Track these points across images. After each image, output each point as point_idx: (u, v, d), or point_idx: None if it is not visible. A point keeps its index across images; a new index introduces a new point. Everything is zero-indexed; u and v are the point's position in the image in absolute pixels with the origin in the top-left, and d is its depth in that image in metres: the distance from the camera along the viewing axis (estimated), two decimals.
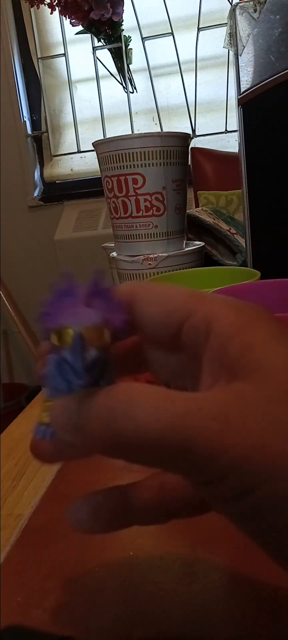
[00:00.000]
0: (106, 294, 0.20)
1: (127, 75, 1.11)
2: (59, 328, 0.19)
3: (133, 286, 0.22)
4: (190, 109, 1.66)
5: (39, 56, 2.05)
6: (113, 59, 1.09)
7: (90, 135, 2.00)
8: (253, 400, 0.17)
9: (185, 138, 0.62)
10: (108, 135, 1.55)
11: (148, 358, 0.23)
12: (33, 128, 2.21)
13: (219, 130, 1.81)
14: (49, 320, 0.19)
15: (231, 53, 0.54)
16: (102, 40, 1.03)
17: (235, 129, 0.56)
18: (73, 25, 0.96)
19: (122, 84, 1.12)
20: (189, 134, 0.63)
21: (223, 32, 0.55)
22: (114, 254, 0.66)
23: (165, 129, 1.87)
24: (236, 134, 0.56)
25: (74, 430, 0.18)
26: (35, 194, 2.22)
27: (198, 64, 1.61)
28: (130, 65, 1.11)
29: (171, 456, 0.17)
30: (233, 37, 0.52)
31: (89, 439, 0.18)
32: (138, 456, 0.18)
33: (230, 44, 0.53)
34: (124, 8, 0.94)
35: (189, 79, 1.64)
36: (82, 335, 0.18)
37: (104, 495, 0.22)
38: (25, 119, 2.17)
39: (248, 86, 0.52)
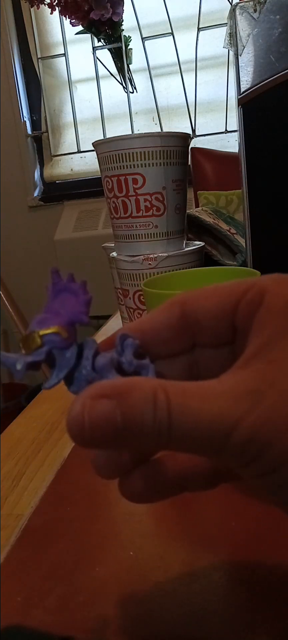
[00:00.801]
0: (68, 288, 0.22)
1: (127, 75, 1.11)
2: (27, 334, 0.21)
3: (185, 293, 0.22)
4: (190, 109, 1.66)
5: (39, 56, 2.05)
6: (113, 59, 1.09)
7: (90, 135, 2.00)
8: (283, 386, 0.18)
9: (185, 138, 0.62)
10: (108, 135, 1.55)
11: (199, 360, 0.23)
12: (33, 128, 2.21)
13: (219, 130, 1.81)
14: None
15: (231, 53, 0.54)
16: (102, 40, 1.03)
17: (235, 129, 0.56)
18: (73, 25, 0.96)
19: (122, 84, 1.12)
20: (189, 134, 0.63)
21: (223, 32, 0.55)
22: (114, 254, 0.66)
23: (165, 129, 1.87)
24: (236, 134, 0.56)
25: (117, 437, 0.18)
26: (35, 194, 2.22)
27: (198, 64, 1.61)
28: (130, 65, 1.11)
29: (214, 445, 0.18)
30: (233, 37, 0.52)
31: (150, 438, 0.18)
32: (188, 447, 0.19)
33: (230, 44, 0.53)
34: (123, 8, 0.94)
35: (189, 79, 1.64)
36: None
37: (156, 464, 0.22)
38: (25, 119, 2.17)
39: (248, 86, 0.52)
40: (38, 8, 0.95)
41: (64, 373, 0.20)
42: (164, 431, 0.18)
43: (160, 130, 1.75)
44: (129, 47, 1.09)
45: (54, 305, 0.21)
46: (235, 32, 0.52)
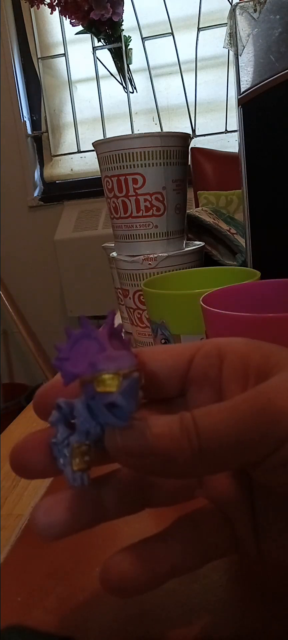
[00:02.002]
0: (120, 335, 0.21)
1: (127, 75, 1.11)
2: (100, 373, 0.19)
3: (137, 349, 0.23)
4: (190, 109, 1.66)
5: (39, 56, 2.05)
6: (113, 59, 1.09)
7: (90, 135, 2.00)
8: None
9: (185, 138, 0.62)
10: (108, 135, 1.55)
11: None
12: (33, 128, 2.21)
13: (219, 130, 1.81)
14: (71, 365, 0.20)
15: (231, 53, 0.54)
16: (102, 40, 1.03)
17: (235, 129, 0.56)
18: (73, 25, 0.96)
19: (122, 84, 1.12)
20: (189, 134, 0.63)
21: (223, 32, 0.55)
22: (114, 254, 0.66)
23: (165, 129, 1.87)
24: (236, 134, 0.56)
25: (149, 456, 0.19)
26: (35, 194, 2.22)
27: (198, 64, 1.61)
28: (130, 65, 1.12)
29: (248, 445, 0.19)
30: (233, 37, 0.52)
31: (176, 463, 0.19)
32: (224, 461, 0.19)
33: (230, 44, 0.53)
34: (123, 8, 0.95)
35: (189, 79, 1.64)
36: (136, 379, 0.19)
37: (143, 546, 0.22)
38: (25, 119, 2.17)
39: (248, 86, 0.52)
40: (38, 8, 0.95)
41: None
42: (193, 440, 0.19)
43: (160, 130, 1.75)
44: (129, 47, 1.09)
45: (113, 349, 0.20)
46: (235, 32, 0.52)
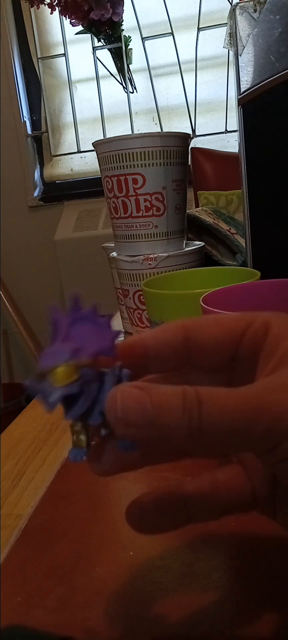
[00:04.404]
0: (89, 317, 0.21)
1: (127, 75, 1.11)
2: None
3: (189, 319, 0.24)
4: (190, 109, 1.66)
5: (39, 56, 2.05)
6: (113, 59, 1.09)
7: (90, 135, 2.00)
8: None
9: (185, 138, 0.62)
10: (108, 135, 1.55)
11: (193, 381, 0.25)
12: (33, 128, 2.22)
13: (219, 130, 1.81)
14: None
15: (231, 53, 0.54)
16: (102, 40, 1.03)
17: (235, 129, 0.56)
18: (73, 25, 0.96)
19: (122, 84, 1.12)
20: (189, 134, 0.63)
21: (223, 32, 0.55)
22: (114, 254, 0.66)
23: (165, 129, 1.87)
24: (236, 134, 0.56)
25: (149, 428, 0.19)
26: (35, 194, 2.22)
27: (198, 64, 1.61)
28: (130, 65, 1.11)
29: (249, 437, 0.19)
30: (233, 37, 0.52)
31: (168, 436, 0.19)
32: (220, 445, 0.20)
33: (230, 44, 0.53)
34: (123, 8, 0.94)
35: (189, 79, 1.64)
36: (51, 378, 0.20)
37: (163, 495, 0.24)
38: (25, 119, 2.17)
39: (248, 86, 0.52)
40: (38, 8, 0.94)
41: (89, 403, 0.20)
42: (194, 420, 0.19)
43: (160, 130, 1.75)
44: (129, 47, 1.09)
45: (76, 334, 0.21)
46: (235, 32, 0.52)
